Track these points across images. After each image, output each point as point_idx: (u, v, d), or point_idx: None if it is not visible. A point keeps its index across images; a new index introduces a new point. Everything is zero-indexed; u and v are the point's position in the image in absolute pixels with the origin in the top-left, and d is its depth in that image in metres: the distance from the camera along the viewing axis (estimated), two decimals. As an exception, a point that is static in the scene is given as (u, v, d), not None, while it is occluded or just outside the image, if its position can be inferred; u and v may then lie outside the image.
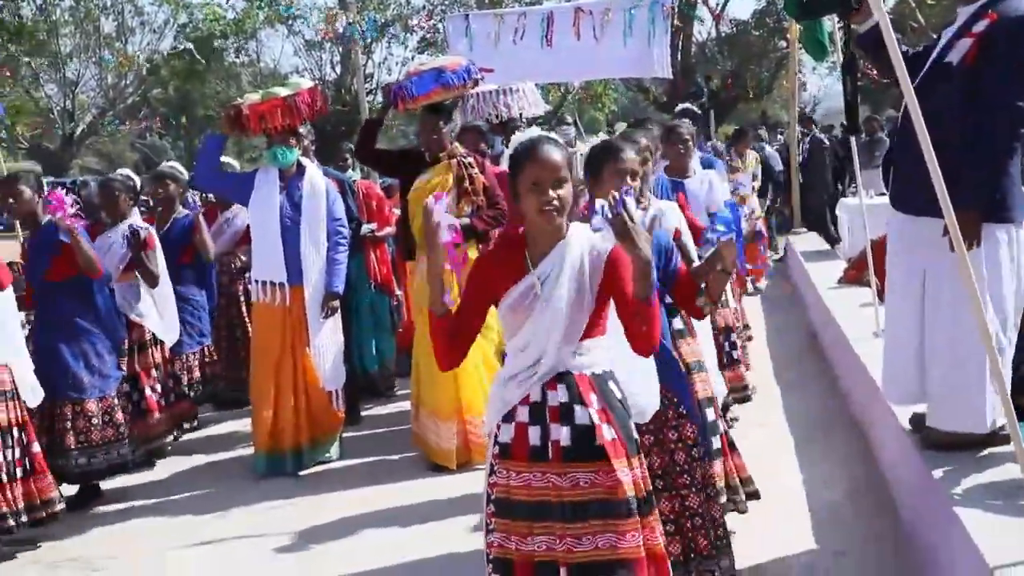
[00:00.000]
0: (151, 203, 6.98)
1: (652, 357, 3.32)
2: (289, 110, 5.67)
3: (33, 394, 4.91)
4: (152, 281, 5.99)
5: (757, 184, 12.01)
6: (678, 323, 3.87)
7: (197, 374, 6.73)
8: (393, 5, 24.24)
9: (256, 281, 5.87)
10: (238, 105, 5.78)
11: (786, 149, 13.24)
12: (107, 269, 5.55)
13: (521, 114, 7.51)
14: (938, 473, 3.65)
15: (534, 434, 2.76)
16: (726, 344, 5.79)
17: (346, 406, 6.19)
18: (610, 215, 2.57)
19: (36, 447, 4.87)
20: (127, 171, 6.75)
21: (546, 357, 2.76)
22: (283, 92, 5.77)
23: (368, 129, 6.07)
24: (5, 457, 4.69)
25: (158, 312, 6.17)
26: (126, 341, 5.97)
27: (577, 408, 2.74)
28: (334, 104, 21.22)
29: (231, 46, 24.97)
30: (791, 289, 10.76)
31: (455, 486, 5.33)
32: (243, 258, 7.44)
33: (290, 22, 23.83)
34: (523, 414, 2.79)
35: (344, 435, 6.15)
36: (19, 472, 4.75)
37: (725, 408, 5.01)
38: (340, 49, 24.61)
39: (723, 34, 27.45)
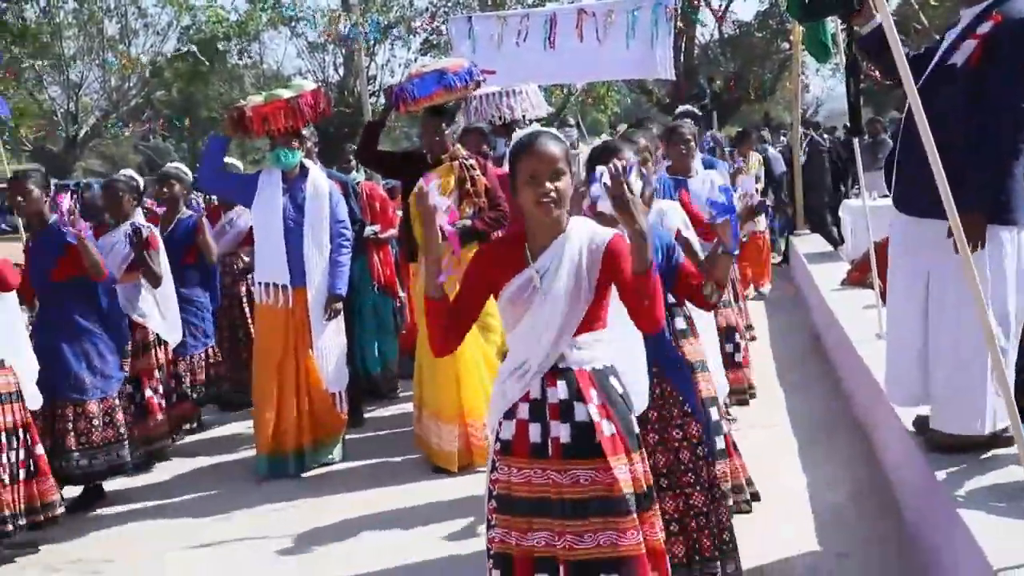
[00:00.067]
0: (155, 208, 6.98)
1: (645, 356, 3.34)
2: (292, 112, 5.67)
3: (32, 399, 4.91)
4: (155, 281, 5.99)
5: (760, 186, 12.00)
6: (681, 323, 3.86)
7: (201, 376, 6.74)
8: (396, 7, 24.25)
9: (259, 283, 5.88)
10: (241, 107, 5.78)
11: (789, 151, 13.23)
12: (111, 271, 5.55)
13: (524, 116, 7.51)
14: (942, 475, 3.65)
15: (534, 431, 2.77)
16: (728, 345, 5.78)
17: (349, 408, 6.19)
18: (609, 183, 2.56)
19: (39, 449, 4.87)
20: (130, 172, 6.76)
21: (541, 351, 2.76)
22: (286, 94, 5.77)
23: (370, 131, 6.07)
24: (9, 459, 4.69)
25: (160, 313, 6.18)
26: (130, 343, 5.98)
27: (577, 405, 2.75)
28: (337, 106, 21.21)
29: (234, 48, 25.01)
30: (794, 291, 10.76)
31: (457, 488, 5.32)
32: (245, 259, 7.46)
33: (293, 24, 23.85)
34: (524, 411, 2.80)
35: (347, 437, 6.15)
36: (22, 474, 4.76)
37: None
38: (343, 51, 24.64)
39: (726, 35, 27.46)
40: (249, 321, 7.39)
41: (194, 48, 24.04)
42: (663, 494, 3.46)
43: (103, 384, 5.41)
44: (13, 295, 4.90)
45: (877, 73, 4.73)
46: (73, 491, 5.59)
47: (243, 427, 6.94)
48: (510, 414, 2.82)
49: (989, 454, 3.75)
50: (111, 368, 5.48)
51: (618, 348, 2.89)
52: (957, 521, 3.27)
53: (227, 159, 6.66)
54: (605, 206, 2.60)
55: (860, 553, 4.05)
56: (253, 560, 4.64)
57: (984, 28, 3.60)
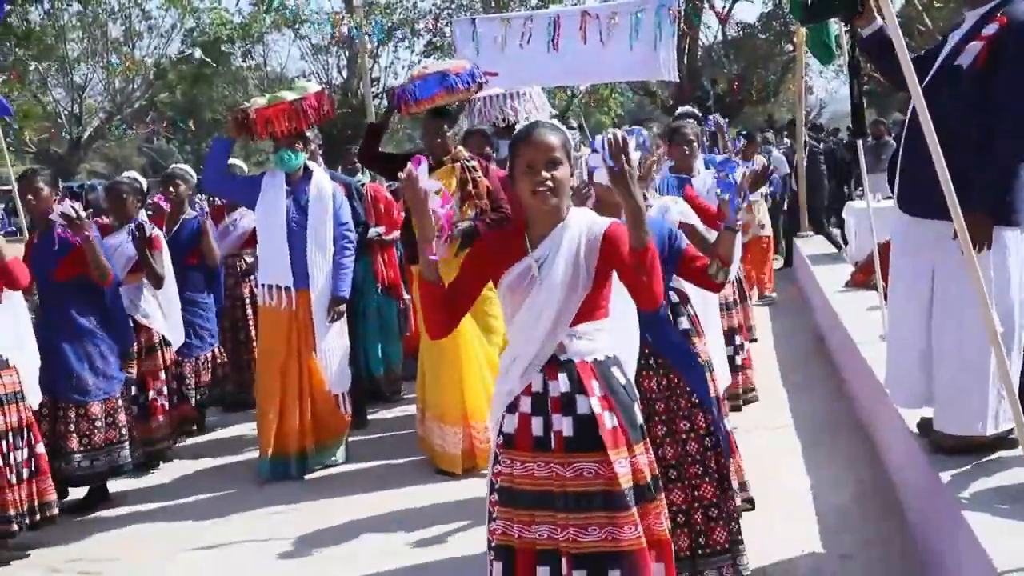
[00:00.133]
0: (162, 204, 6.99)
1: (638, 356, 3.35)
2: (295, 114, 5.68)
3: (33, 396, 4.93)
4: (157, 282, 6.00)
5: (766, 190, 11.97)
6: (685, 323, 3.86)
7: (206, 377, 6.76)
8: (400, 9, 24.26)
9: (262, 285, 5.88)
10: (245, 109, 5.79)
11: (792, 153, 13.22)
12: (116, 273, 5.56)
13: (527, 118, 7.51)
14: (945, 477, 3.64)
15: (537, 425, 2.77)
16: (728, 348, 5.78)
17: (352, 410, 6.20)
18: (608, 154, 2.55)
19: (40, 448, 4.88)
20: (134, 174, 6.78)
21: (538, 339, 2.76)
22: (290, 96, 5.77)
23: (372, 132, 6.07)
24: (15, 459, 4.70)
25: (163, 314, 6.19)
26: (135, 344, 5.99)
27: (579, 398, 2.75)
28: (341, 108, 21.22)
29: (238, 50, 25.04)
30: (797, 292, 10.75)
31: (460, 491, 5.32)
32: (248, 260, 7.47)
33: (297, 26, 23.87)
34: (526, 404, 2.80)
35: (350, 439, 6.15)
36: (25, 473, 4.77)
37: None
38: (347, 53, 24.66)
39: (729, 37, 27.46)
40: (251, 323, 7.40)
41: (198, 50, 24.07)
42: (671, 486, 3.47)
43: (106, 385, 5.42)
44: (19, 293, 4.92)
45: (879, 74, 4.73)
46: (75, 492, 5.60)
47: (246, 429, 6.95)
48: (512, 407, 2.83)
49: (993, 456, 3.74)
50: (113, 369, 5.49)
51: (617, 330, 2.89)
52: (961, 523, 3.26)
53: (231, 160, 6.68)
54: (602, 177, 2.59)
55: (863, 554, 4.05)
56: (255, 562, 4.64)
57: (989, 30, 3.60)
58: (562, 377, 2.77)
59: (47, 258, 5.28)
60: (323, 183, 5.91)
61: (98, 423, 5.35)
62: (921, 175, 3.55)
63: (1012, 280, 3.63)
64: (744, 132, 12.02)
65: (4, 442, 4.64)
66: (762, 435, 5.69)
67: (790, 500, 4.69)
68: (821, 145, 13.58)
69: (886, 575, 3.89)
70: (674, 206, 4.06)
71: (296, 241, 5.75)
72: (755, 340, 7.87)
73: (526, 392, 2.81)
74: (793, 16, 5.25)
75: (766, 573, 3.89)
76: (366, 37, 11.89)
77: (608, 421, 2.75)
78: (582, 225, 2.78)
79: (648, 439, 2.89)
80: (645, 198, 3.82)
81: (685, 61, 23.23)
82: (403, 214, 7.03)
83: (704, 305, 4.30)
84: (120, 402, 5.50)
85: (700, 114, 8.05)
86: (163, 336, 6.22)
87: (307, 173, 5.91)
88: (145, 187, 6.52)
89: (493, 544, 2.82)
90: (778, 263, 12.32)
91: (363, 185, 7.40)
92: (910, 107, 3.73)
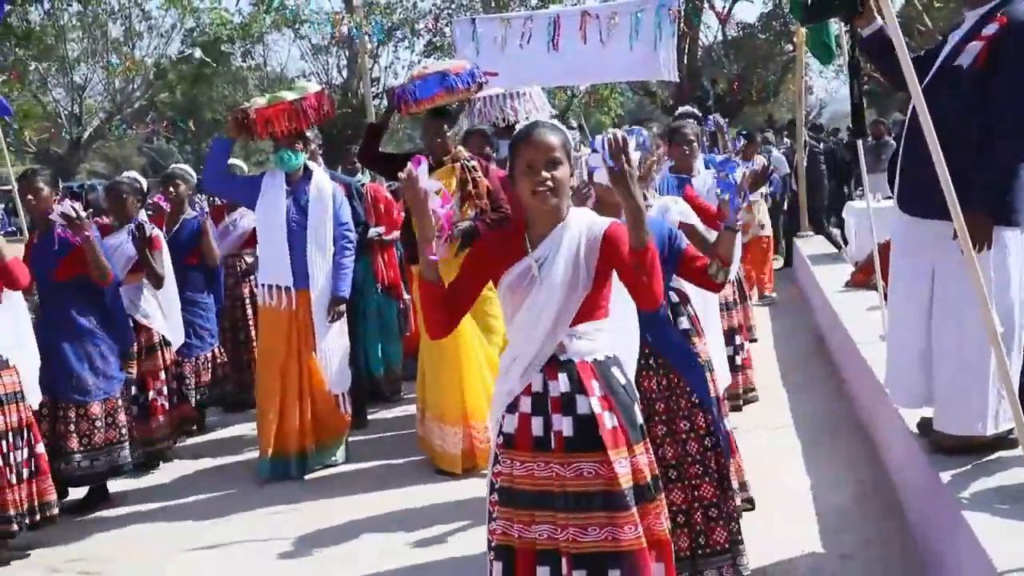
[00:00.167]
0: (161, 204, 6.99)
1: (638, 356, 3.35)
2: (295, 114, 5.68)
3: (32, 395, 4.93)
4: (157, 282, 6.01)
5: (766, 190, 11.96)
6: (684, 323, 3.86)
7: (206, 377, 6.76)
8: (400, 9, 24.26)
9: (262, 285, 5.89)
10: (245, 109, 5.79)
11: (792, 152, 13.22)
12: (116, 274, 5.56)
13: (527, 118, 7.51)
14: (945, 477, 3.64)
15: (537, 425, 2.77)
16: (729, 348, 5.78)
17: (352, 410, 6.20)
18: (608, 153, 2.55)
19: (40, 448, 4.88)
20: (134, 174, 6.78)
21: (538, 339, 2.76)
22: (289, 96, 5.78)
23: (371, 132, 6.07)
24: (15, 459, 4.70)
25: (163, 314, 6.19)
26: (135, 344, 5.99)
27: (579, 398, 2.75)
28: (341, 108, 21.22)
29: (238, 50, 25.04)
30: (797, 292, 10.75)
31: (460, 491, 5.32)
32: (248, 260, 7.47)
33: (297, 26, 23.86)
34: (526, 404, 2.80)
35: (350, 439, 6.16)
36: (25, 473, 4.77)
37: None
38: (347, 53, 24.65)
39: (729, 37, 27.45)
40: (251, 323, 7.41)
41: (198, 50, 24.07)
42: (672, 486, 3.47)
43: (106, 385, 5.42)
44: (19, 293, 4.92)
45: (879, 75, 4.73)
46: (75, 492, 5.60)
47: (246, 429, 6.95)
48: (512, 407, 2.83)
49: (993, 456, 3.74)
50: (113, 369, 5.49)
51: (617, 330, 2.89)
52: (961, 523, 3.26)
53: (231, 160, 6.68)
54: (602, 177, 2.58)
55: (863, 554, 4.05)
56: (256, 562, 4.64)
57: (989, 30, 3.60)
58: (562, 377, 2.77)
59: (47, 258, 5.27)
60: (323, 183, 5.91)
61: (98, 423, 5.35)
62: (921, 175, 3.55)
63: (1012, 280, 3.63)
64: (744, 132, 12.01)
65: (4, 442, 4.65)
66: (762, 435, 5.69)
67: (790, 500, 4.69)
68: (821, 145, 13.59)
69: (886, 575, 3.89)
70: (674, 206, 4.07)
71: (296, 241, 5.75)
72: (755, 340, 7.87)
73: (526, 392, 2.81)
74: (793, 16, 5.25)
75: (766, 573, 3.89)
76: (366, 37, 11.89)
77: (608, 421, 2.75)
78: (582, 225, 2.78)
79: (648, 439, 2.89)
80: (645, 198, 3.83)
81: (685, 61, 23.23)
82: (403, 214, 7.04)
83: (704, 305, 4.30)
84: (120, 402, 5.50)
85: (700, 114, 8.04)
86: (163, 336, 6.22)
87: (307, 173, 5.91)
88: (145, 187, 6.53)
89: (493, 544, 2.82)
90: (778, 263, 12.32)
91: (363, 185, 7.40)
92: (910, 107, 3.73)
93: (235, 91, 26.47)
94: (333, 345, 5.88)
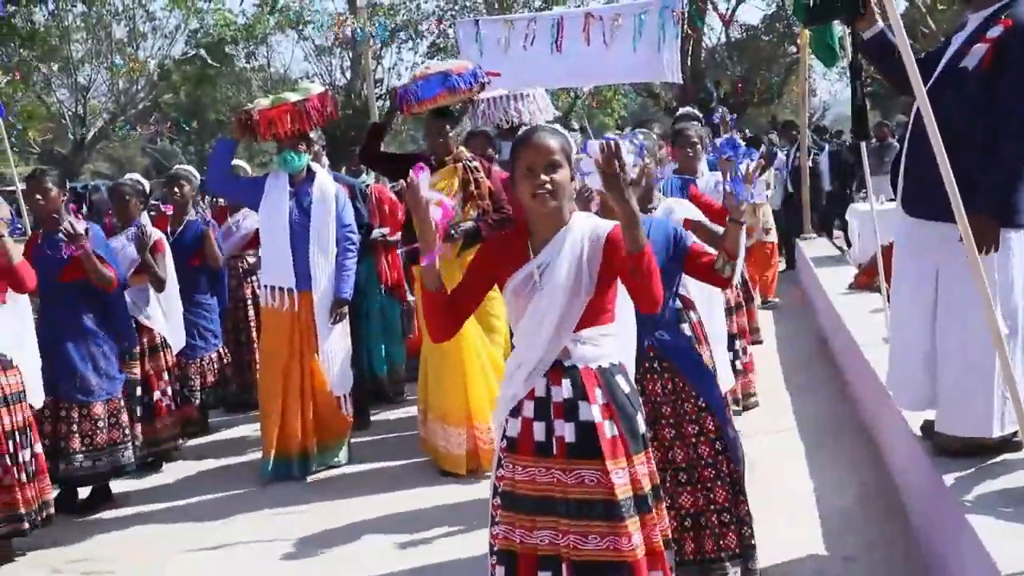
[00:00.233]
0: (161, 207, 7.01)
1: (643, 360, 3.34)
2: (299, 115, 5.68)
3: (35, 396, 4.94)
4: (159, 285, 6.02)
5: (771, 192, 11.96)
6: (687, 330, 3.85)
7: (211, 378, 6.77)
8: (403, 10, 24.26)
9: (265, 286, 5.89)
10: (248, 110, 5.80)
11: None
12: (122, 276, 5.56)
13: (531, 119, 7.51)
14: (949, 479, 3.63)
15: (539, 430, 2.77)
16: (730, 352, 5.77)
17: (355, 411, 6.20)
18: (601, 157, 2.54)
19: (39, 447, 4.89)
20: (136, 175, 6.80)
21: (542, 344, 2.76)
22: (293, 97, 5.78)
23: (374, 132, 6.06)
24: (23, 458, 4.71)
25: (164, 316, 6.19)
26: (138, 345, 5.99)
27: (581, 404, 2.75)
28: (344, 109, 21.23)
29: (242, 51, 25.04)
30: (801, 295, 10.73)
31: (464, 492, 5.32)
32: (250, 260, 7.48)
33: (300, 27, 23.87)
34: (529, 409, 2.80)
35: (353, 440, 6.16)
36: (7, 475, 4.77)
37: None
38: (350, 54, 24.66)
39: (733, 39, 27.42)
40: (252, 324, 7.42)
41: (203, 52, 24.07)
42: (681, 489, 3.46)
43: (108, 385, 5.43)
44: (25, 297, 4.93)
45: (881, 77, 4.72)
46: (78, 493, 5.60)
47: (249, 430, 6.96)
48: (515, 411, 2.83)
49: (998, 458, 3.73)
50: (115, 369, 5.50)
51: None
52: (964, 526, 3.25)
53: (234, 161, 6.68)
54: (595, 182, 2.57)
55: (866, 557, 4.04)
56: (259, 562, 4.65)
57: (994, 32, 3.59)
58: (565, 383, 2.77)
59: (51, 259, 5.27)
60: (326, 185, 5.91)
61: (100, 423, 5.36)
62: (925, 177, 3.54)
63: (1016, 282, 3.63)
64: (750, 136, 11.99)
65: (11, 442, 4.65)
66: (765, 438, 5.69)
67: (793, 502, 4.68)
68: (826, 147, 13.58)
69: (889, 578, 3.89)
70: (678, 207, 4.06)
71: (299, 242, 5.76)
72: (760, 342, 7.85)
73: (529, 396, 2.81)
74: (796, 18, 5.24)
75: (769, 575, 3.88)
76: (370, 37, 11.89)
77: (608, 430, 2.74)
78: (585, 229, 2.78)
79: (650, 448, 2.88)
80: (649, 199, 3.83)
81: (688, 63, 23.21)
82: (405, 215, 7.04)
83: (710, 307, 4.29)
84: (122, 402, 5.50)
85: (701, 115, 8.04)
86: (165, 337, 6.23)
87: (310, 174, 5.91)
88: (148, 189, 6.54)
89: (496, 549, 2.82)
90: (780, 265, 12.30)
91: (367, 186, 7.41)
92: (914, 109, 3.73)
93: (239, 92, 26.46)
94: (335, 346, 5.88)
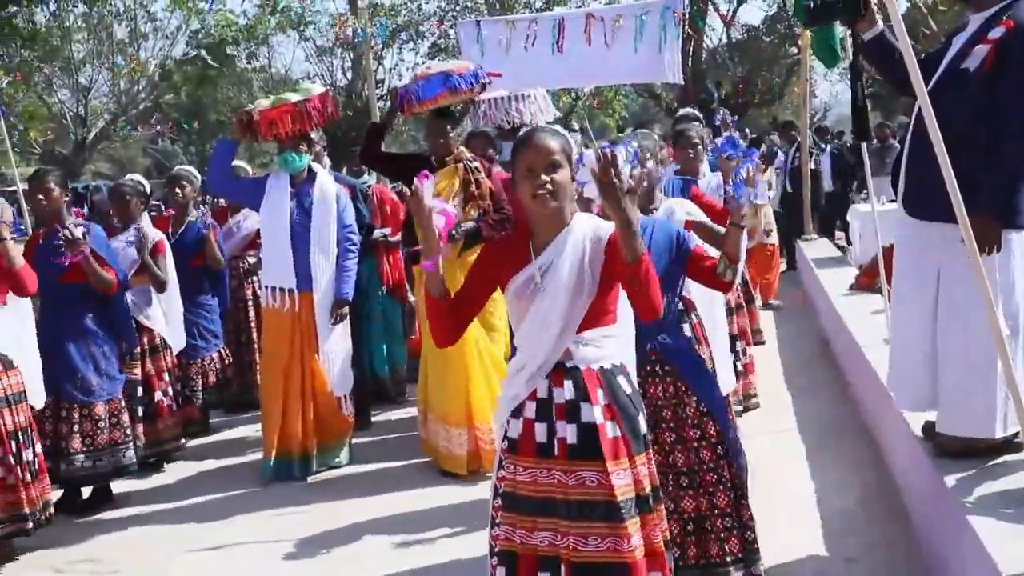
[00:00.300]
0: (162, 207, 7.02)
1: (645, 363, 3.34)
2: (299, 116, 5.68)
3: (36, 397, 4.94)
4: (159, 286, 6.02)
5: (773, 194, 11.96)
6: (687, 331, 3.85)
7: (212, 379, 6.77)
8: (404, 11, 24.26)
9: (266, 287, 5.89)
10: (249, 111, 5.80)
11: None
12: (123, 277, 5.56)
13: (532, 120, 7.51)
14: (950, 480, 3.63)
15: (540, 431, 2.77)
16: (731, 354, 5.77)
17: (356, 411, 6.19)
18: (596, 167, 2.54)
19: (38, 447, 4.89)
20: (137, 176, 6.80)
21: (544, 346, 2.76)
22: (294, 98, 5.78)
23: (374, 132, 6.06)
24: (27, 457, 4.71)
25: (164, 317, 6.19)
26: (138, 345, 5.99)
27: (583, 406, 2.74)
28: (345, 109, 21.23)
29: (243, 52, 25.05)
30: (802, 296, 10.73)
31: (465, 493, 5.32)
32: (251, 261, 7.48)
33: (301, 28, 23.88)
34: (531, 410, 2.80)
35: (354, 440, 6.16)
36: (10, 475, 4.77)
37: None
38: (351, 55, 24.66)
39: (734, 40, 27.41)
40: (253, 324, 7.42)
41: (204, 53, 24.08)
42: (683, 493, 3.46)
43: (109, 386, 5.43)
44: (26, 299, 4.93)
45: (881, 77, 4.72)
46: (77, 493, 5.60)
47: (250, 430, 6.96)
48: (517, 412, 2.82)
49: (998, 460, 3.73)
50: (115, 369, 5.50)
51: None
52: (965, 527, 3.25)
53: (235, 162, 6.68)
54: (592, 192, 2.57)
55: (868, 558, 4.04)
56: (260, 563, 4.65)
57: (996, 33, 3.59)
58: (568, 384, 2.76)
59: (53, 259, 5.26)
60: (327, 185, 5.91)
61: (101, 423, 5.36)
62: (927, 178, 3.54)
63: (1017, 283, 3.63)
64: (753, 136, 11.98)
65: (14, 442, 4.65)
66: (766, 439, 5.68)
67: (794, 503, 4.68)
68: (828, 148, 13.58)
69: (890, 579, 3.89)
70: (679, 208, 4.06)
71: (299, 243, 5.76)
72: (763, 343, 7.85)
73: (531, 397, 2.80)
74: (797, 19, 5.23)
75: (770, 576, 3.88)
76: (370, 37, 11.89)
77: (610, 431, 2.74)
78: (587, 230, 2.77)
79: (651, 449, 2.88)
80: (651, 200, 3.83)
81: (689, 63, 23.21)
82: (406, 216, 7.04)
83: (711, 308, 4.29)
84: (123, 403, 5.50)
85: (701, 116, 8.04)
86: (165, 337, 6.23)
87: (311, 175, 5.91)
88: (148, 190, 6.54)
89: (496, 549, 2.82)
90: (781, 266, 12.29)
91: (369, 187, 7.41)
92: (915, 110, 3.73)
93: (240, 93, 26.46)
94: (335, 347, 5.88)
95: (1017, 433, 3.67)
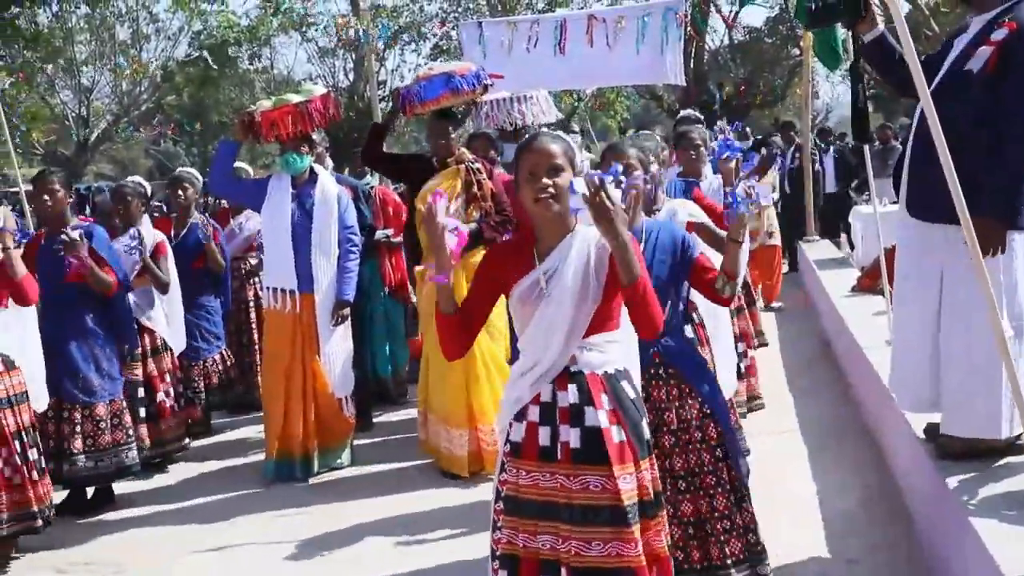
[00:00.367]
0: (164, 208, 7.03)
1: (647, 366, 3.33)
2: (301, 117, 5.69)
3: (39, 400, 4.94)
4: (163, 288, 6.02)
5: (776, 195, 11.95)
6: (689, 331, 3.85)
7: (215, 380, 6.77)
8: (406, 12, 24.28)
9: (267, 288, 5.90)
10: (251, 112, 5.80)
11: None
12: (123, 277, 5.56)
13: (534, 121, 7.51)
14: (952, 482, 3.63)
15: (544, 434, 2.76)
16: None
17: (358, 413, 6.19)
18: (587, 193, 2.54)
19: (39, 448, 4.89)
20: (139, 178, 6.81)
21: (550, 352, 2.75)
22: (295, 99, 5.79)
23: (375, 133, 6.06)
24: (32, 456, 4.72)
25: (166, 318, 6.20)
26: (140, 346, 6.00)
27: (587, 410, 2.74)
28: (347, 111, 21.25)
29: (245, 53, 25.07)
30: (804, 297, 10.72)
31: (467, 494, 5.32)
32: (252, 262, 7.49)
33: (304, 29, 23.90)
34: (534, 413, 2.79)
35: (356, 442, 6.15)
36: (35, 474, 4.77)
37: None
38: (353, 56, 24.67)
39: (736, 41, 27.41)
40: (254, 325, 7.42)
41: (205, 53, 24.10)
42: (681, 497, 3.45)
43: (111, 386, 5.43)
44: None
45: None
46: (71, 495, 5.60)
47: (252, 431, 6.96)
48: (520, 416, 2.82)
49: (1001, 461, 3.73)
50: (117, 370, 5.51)
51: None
52: (968, 529, 3.25)
53: (237, 163, 6.69)
54: (586, 218, 2.58)
55: (870, 559, 4.04)
56: (261, 564, 4.65)
57: (999, 35, 3.59)
58: (572, 388, 2.76)
59: (56, 260, 5.26)
60: (328, 186, 5.91)
61: (103, 424, 5.36)
62: (929, 179, 3.54)
63: (1020, 284, 3.63)
64: (758, 137, 11.92)
65: (18, 442, 4.66)
66: (768, 440, 5.68)
67: (796, 505, 4.68)
68: (831, 149, 13.57)
69: (892, 581, 3.88)
70: (682, 209, 4.06)
71: (301, 244, 5.76)
72: (766, 344, 7.84)
73: (534, 401, 2.80)
74: (798, 21, 5.24)
75: (772, 578, 3.88)
76: (372, 39, 11.90)
77: (616, 435, 2.73)
78: (591, 235, 2.76)
79: (654, 453, 2.88)
80: (654, 200, 3.82)
81: (691, 65, 23.22)
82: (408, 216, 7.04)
83: (715, 309, 4.28)
84: (124, 403, 5.51)
85: (702, 117, 8.04)
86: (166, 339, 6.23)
87: (312, 176, 5.91)
88: (149, 191, 6.55)
89: (498, 553, 2.81)
90: (783, 267, 12.29)
91: (371, 188, 7.41)
92: (917, 111, 3.72)
93: (242, 94, 26.48)
94: (337, 348, 5.88)
95: (1021, 435, 3.67)
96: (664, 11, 7.77)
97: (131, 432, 5.51)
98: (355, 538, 4.83)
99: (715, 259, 3.52)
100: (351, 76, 25.62)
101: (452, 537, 4.72)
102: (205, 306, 6.77)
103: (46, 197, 5.31)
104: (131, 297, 5.80)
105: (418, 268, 5.98)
